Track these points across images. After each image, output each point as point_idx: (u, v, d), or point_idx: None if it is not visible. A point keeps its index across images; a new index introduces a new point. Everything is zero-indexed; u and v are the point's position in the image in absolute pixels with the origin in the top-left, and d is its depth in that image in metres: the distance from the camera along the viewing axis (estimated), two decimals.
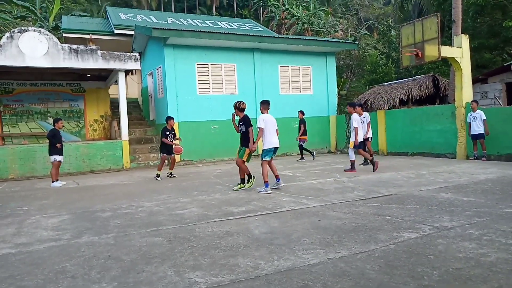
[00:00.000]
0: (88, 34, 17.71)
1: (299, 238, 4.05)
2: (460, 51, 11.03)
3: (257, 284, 2.92)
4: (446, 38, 18.04)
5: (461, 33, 13.33)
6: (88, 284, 3.06)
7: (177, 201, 6.45)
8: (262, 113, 7.14)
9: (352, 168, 9.31)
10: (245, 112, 7.22)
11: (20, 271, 3.40)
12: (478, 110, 10.49)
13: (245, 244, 3.90)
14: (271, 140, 6.97)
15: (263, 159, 6.99)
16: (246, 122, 6.94)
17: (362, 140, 9.92)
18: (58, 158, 9.19)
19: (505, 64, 15.78)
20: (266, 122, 6.94)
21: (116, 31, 17.98)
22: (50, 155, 9.18)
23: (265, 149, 6.97)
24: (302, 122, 12.67)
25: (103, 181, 9.72)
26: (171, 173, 9.94)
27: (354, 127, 9.18)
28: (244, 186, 7.26)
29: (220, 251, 3.71)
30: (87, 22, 20.77)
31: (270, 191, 6.79)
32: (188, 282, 3.01)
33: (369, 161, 9.64)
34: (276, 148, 7.05)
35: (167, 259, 3.55)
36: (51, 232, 4.73)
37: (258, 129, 6.92)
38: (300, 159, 12.95)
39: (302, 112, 12.89)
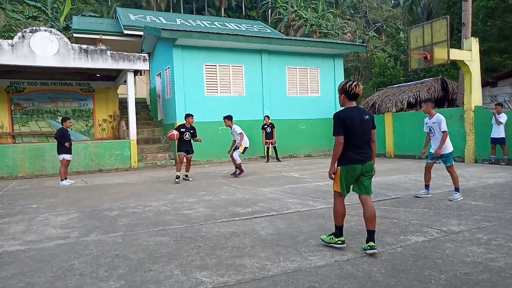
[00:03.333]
0: (98, 34, 17.89)
1: (306, 239, 4.05)
2: (470, 54, 10.94)
3: (263, 285, 2.93)
4: (455, 41, 17.89)
5: (471, 36, 13.21)
6: (96, 282, 3.09)
7: (184, 201, 6.48)
8: (430, 113, 6.25)
9: (241, 171, 9.60)
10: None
11: (29, 268, 3.45)
12: (502, 113, 10.18)
13: (251, 245, 3.91)
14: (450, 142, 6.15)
15: (452, 164, 6.08)
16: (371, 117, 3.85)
17: None
18: (67, 157, 9.28)
19: None
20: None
21: (125, 32, 18.14)
22: (58, 154, 9.28)
23: (450, 152, 6.12)
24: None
25: (111, 180, 9.81)
26: (186, 176, 9.33)
27: (239, 133, 9.55)
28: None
29: (226, 252, 3.73)
30: (97, 22, 20.98)
31: (461, 197, 5.93)
32: (194, 281, 3.03)
33: None
34: None
35: (174, 259, 3.57)
36: (60, 230, 4.79)
37: (443, 133, 5.99)
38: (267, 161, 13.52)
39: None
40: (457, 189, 5.97)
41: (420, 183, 7.57)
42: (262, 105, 14.58)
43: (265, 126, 13.32)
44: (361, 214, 5.09)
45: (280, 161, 13.34)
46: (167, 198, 6.83)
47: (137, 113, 13.72)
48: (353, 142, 3.67)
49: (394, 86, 17.91)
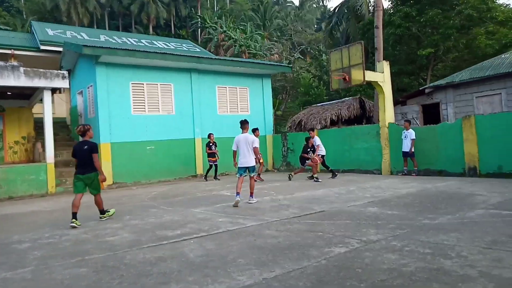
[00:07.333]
0: (10, 49, 16.39)
1: (235, 259, 4.02)
2: (382, 75, 12.04)
3: None
4: (370, 64, 19.57)
5: (383, 59, 14.58)
6: None
7: (107, 227, 6.07)
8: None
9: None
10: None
11: None
12: (410, 129, 11.16)
13: (178, 269, 3.77)
14: (241, 160, 7.86)
15: (253, 175, 8.03)
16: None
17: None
18: None
19: (420, 88, 17.51)
20: (239, 142, 7.96)
21: (42, 47, 16.90)
22: None
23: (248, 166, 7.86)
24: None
25: (23, 209, 8.85)
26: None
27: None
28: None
29: (151, 279, 3.55)
30: (8, 36, 19.23)
31: (256, 200, 7.80)
32: None
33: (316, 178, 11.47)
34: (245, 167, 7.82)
35: None
36: None
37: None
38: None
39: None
40: (251, 194, 7.78)
41: (343, 196, 8.02)
42: (192, 123, 14.43)
43: (210, 144, 13.16)
44: (289, 229, 5.23)
45: (218, 180, 13.14)
46: (88, 224, 6.33)
47: (55, 134, 12.67)
48: (78, 162, 6.38)
49: (318, 104, 18.97)
